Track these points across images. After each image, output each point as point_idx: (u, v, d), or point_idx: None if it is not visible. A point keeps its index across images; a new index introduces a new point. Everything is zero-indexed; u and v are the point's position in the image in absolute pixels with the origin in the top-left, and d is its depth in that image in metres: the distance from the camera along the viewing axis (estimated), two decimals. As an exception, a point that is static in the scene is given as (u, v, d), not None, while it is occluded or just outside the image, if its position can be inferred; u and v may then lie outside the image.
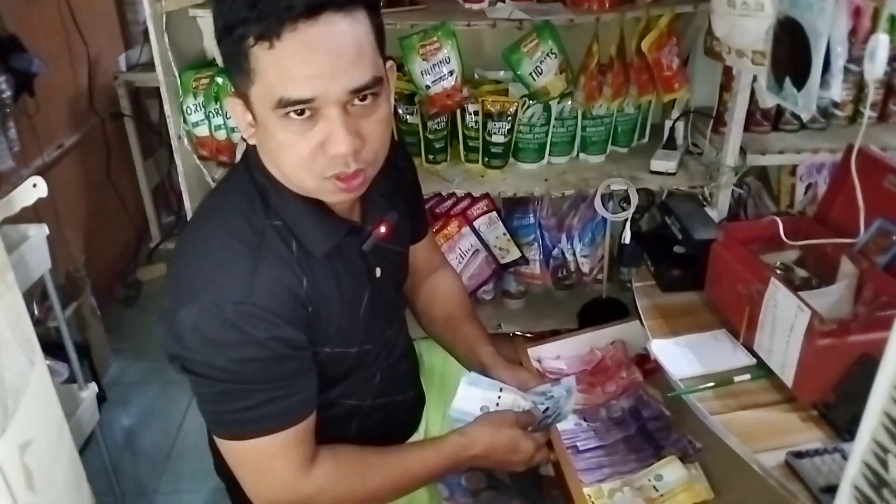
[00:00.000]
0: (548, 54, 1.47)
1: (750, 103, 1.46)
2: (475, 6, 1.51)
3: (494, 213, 1.74)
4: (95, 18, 2.57)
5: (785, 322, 1.02)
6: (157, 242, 2.94)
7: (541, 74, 1.49)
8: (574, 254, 1.79)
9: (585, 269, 1.80)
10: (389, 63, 0.88)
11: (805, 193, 1.57)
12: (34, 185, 1.24)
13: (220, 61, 1.59)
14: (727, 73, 1.52)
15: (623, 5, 1.45)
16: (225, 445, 0.92)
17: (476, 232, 1.72)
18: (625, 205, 1.60)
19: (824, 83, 1.03)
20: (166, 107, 1.54)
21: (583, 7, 1.45)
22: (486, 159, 1.61)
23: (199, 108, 1.55)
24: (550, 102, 1.56)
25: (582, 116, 1.62)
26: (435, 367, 1.32)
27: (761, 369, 1.11)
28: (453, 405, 1.10)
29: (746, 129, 1.50)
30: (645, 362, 1.40)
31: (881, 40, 0.94)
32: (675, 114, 1.64)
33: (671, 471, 1.17)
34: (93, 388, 1.50)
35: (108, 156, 2.64)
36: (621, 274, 1.84)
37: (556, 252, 1.80)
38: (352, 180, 0.85)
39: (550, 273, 1.84)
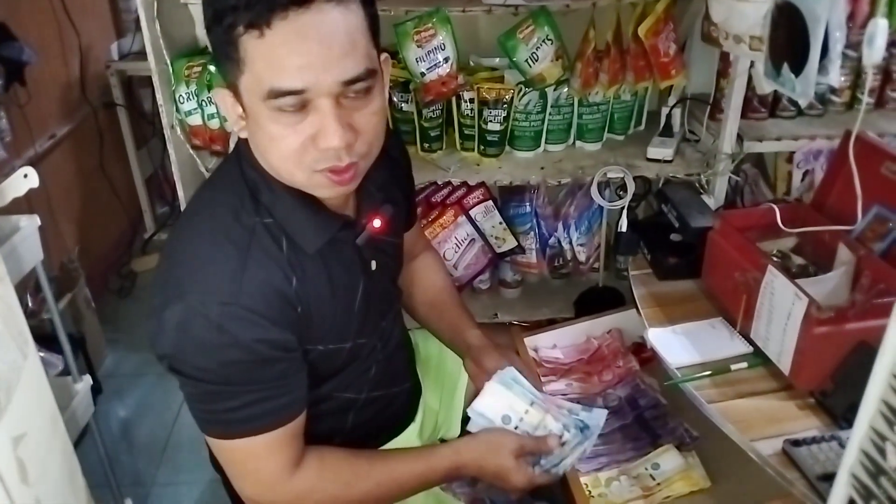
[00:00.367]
0: (544, 41, 1.46)
1: (747, 90, 1.45)
2: (470, -8, 1.50)
3: (490, 202, 1.73)
4: (86, 7, 2.54)
5: (782, 310, 1.02)
6: (151, 233, 2.93)
7: (537, 61, 1.48)
8: (570, 242, 1.78)
9: (582, 257, 1.79)
10: (384, 55, 0.87)
11: (802, 180, 1.57)
12: (25, 176, 1.23)
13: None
14: (724, 59, 1.51)
15: (620, -9, 1.44)
16: (213, 443, 0.92)
17: (472, 221, 1.72)
18: (621, 193, 1.59)
19: (822, 69, 1.02)
20: (158, 96, 1.52)
21: (579, -7, 1.44)
22: (482, 147, 1.60)
23: (191, 97, 1.53)
24: (546, 90, 1.55)
25: (578, 104, 1.61)
26: (431, 356, 1.32)
27: (758, 357, 1.11)
28: (475, 404, 1.07)
29: (743, 115, 1.49)
30: (641, 351, 1.40)
31: (880, 25, 0.93)
32: (671, 101, 1.63)
33: (668, 459, 1.17)
34: (87, 380, 1.49)
35: (101, 146, 2.62)
36: (618, 262, 1.84)
37: (552, 241, 1.80)
38: (344, 174, 0.83)
39: (547, 262, 1.84)
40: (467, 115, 1.58)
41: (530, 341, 1.41)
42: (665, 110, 1.62)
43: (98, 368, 2.22)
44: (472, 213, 1.72)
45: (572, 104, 1.61)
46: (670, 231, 1.41)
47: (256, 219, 0.86)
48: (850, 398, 0.95)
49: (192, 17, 1.59)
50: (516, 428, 1.06)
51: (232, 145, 1.49)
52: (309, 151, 0.80)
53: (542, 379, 1.34)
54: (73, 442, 1.12)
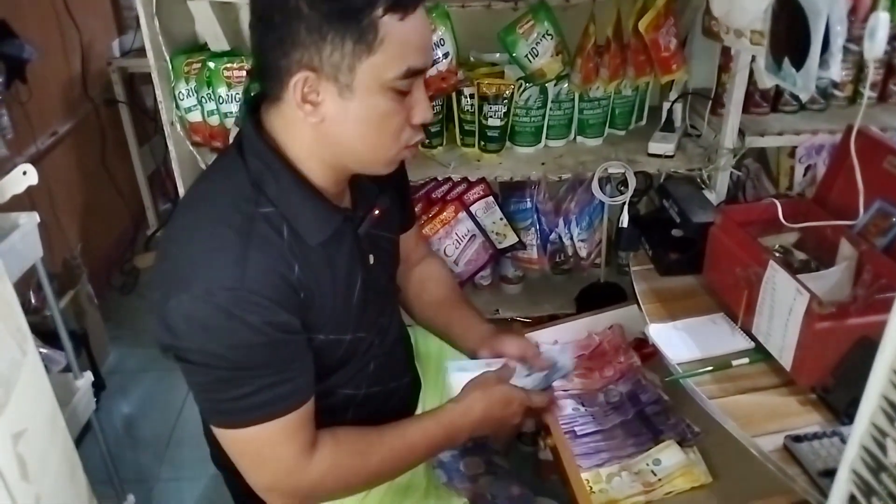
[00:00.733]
0: (544, 35, 1.45)
1: (748, 84, 1.44)
2: (470, -13, 1.49)
3: (491, 198, 1.73)
4: (88, 4, 2.55)
5: (783, 305, 1.02)
6: (153, 230, 2.93)
7: (537, 56, 1.47)
8: (571, 238, 1.78)
9: (583, 253, 1.79)
10: None
11: (804, 175, 1.56)
12: (24, 173, 1.23)
13: (212, 45, 1.59)
14: (725, 53, 1.50)
15: (620, -15, 1.43)
16: (224, 435, 0.91)
17: (473, 217, 1.71)
18: (622, 188, 1.59)
19: (823, 63, 1.01)
20: (158, 93, 1.52)
21: (579, -13, 1.44)
22: (483, 143, 1.60)
23: (191, 94, 1.53)
24: (547, 85, 1.54)
25: (579, 99, 1.60)
26: (430, 351, 1.32)
27: (759, 353, 1.10)
28: (450, 396, 1.10)
29: (745, 110, 1.48)
30: (643, 346, 1.40)
31: (881, 18, 0.92)
32: (672, 95, 1.62)
33: (669, 455, 1.17)
34: (88, 376, 1.50)
35: (103, 143, 2.63)
36: (619, 258, 1.84)
37: (553, 236, 1.79)
38: (415, 148, 0.93)
39: (548, 258, 1.83)
40: (467, 110, 1.57)
41: (532, 337, 1.41)
42: (666, 105, 1.62)
43: (101, 365, 2.23)
44: (472, 208, 1.71)
45: (573, 99, 1.60)
46: (671, 226, 1.41)
47: (255, 208, 0.87)
48: (852, 394, 0.95)
49: (192, 14, 1.59)
50: None
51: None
52: (405, 128, 0.88)
53: (543, 375, 1.34)
54: (74, 438, 1.12)
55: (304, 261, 0.89)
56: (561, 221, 1.76)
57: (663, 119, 1.62)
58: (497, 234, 1.75)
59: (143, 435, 2.04)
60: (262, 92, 0.91)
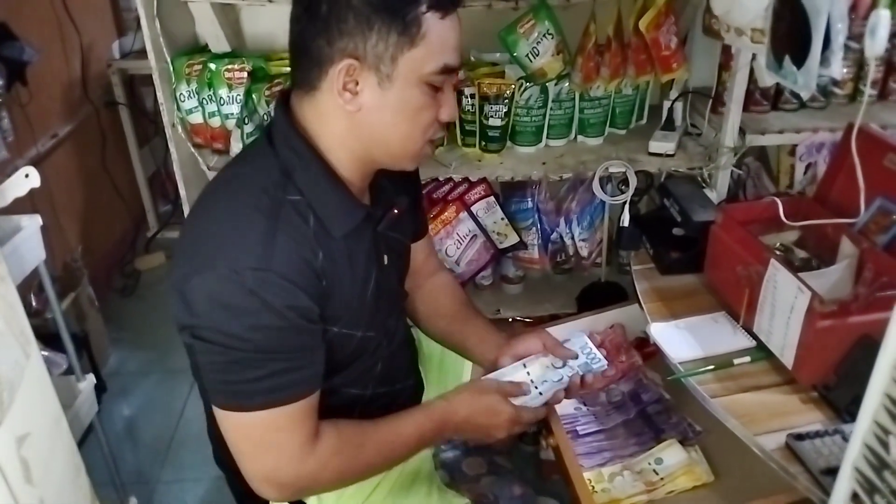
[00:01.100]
0: (544, 35, 1.45)
1: (749, 82, 1.44)
2: (470, -13, 1.49)
3: (492, 198, 1.73)
4: (87, 5, 2.55)
5: (785, 304, 1.02)
6: (154, 232, 2.93)
7: (538, 56, 1.47)
8: (573, 238, 1.78)
9: (584, 252, 1.79)
10: None
11: (805, 173, 1.56)
12: (27, 176, 1.23)
13: (213, 47, 1.59)
14: (726, 51, 1.50)
15: (620, -16, 1.44)
16: (228, 419, 0.90)
17: (474, 217, 1.71)
18: (623, 187, 1.59)
19: (824, 61, 1.01)
20: (159, 94, 1.52)
21: (579, -14, 1.44)
22: (484, 143, 1.60)
23: (192, 95, 1.53)
24: (548, 84, 1.54)
25: (580, 98, 1.60)
26: (434, 353, 1.32)
27: (761, 351, 1.10)
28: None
29: (745, 108, 1.48)
30: (644, 346, 1.40)
31: (882, 16, 0.92)
32: (673, 94, 1.62)
33: (671, 454, 1.17)
34: (91, 379, 1.50)
35: (104, 145, 2.63)
36: (620, 257, 1.84)
37: (554, 236, 1.79)
38: (435, 144, 0.99)
39: (549, 257, 1.83)
40: (468, 110, 1.57)
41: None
42: (667, 104, 1.62)
43: (102, 367, 2.23)
44: (473, 208, 1.71)
45: (573, 99, 1.60)
46: (672, 225, 1.41)
47: (283, 194, 0.88)
48: (854, 392, 0.95)
49: (193, 16, 1.59)
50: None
51: (233, 143, 1.49)
52: (432, 124, 0.93)
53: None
54: (76, 441, 1.12)
55: (327, 250, 0.90)
56: (562, 221, 1.76)
57: (664, 118, 1.62)
58: (498, 233, 1.75)
59: (144, 437, 2.03)
60: (293, 84, 0.94)
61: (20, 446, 0.90)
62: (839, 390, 0.99)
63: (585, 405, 1.32)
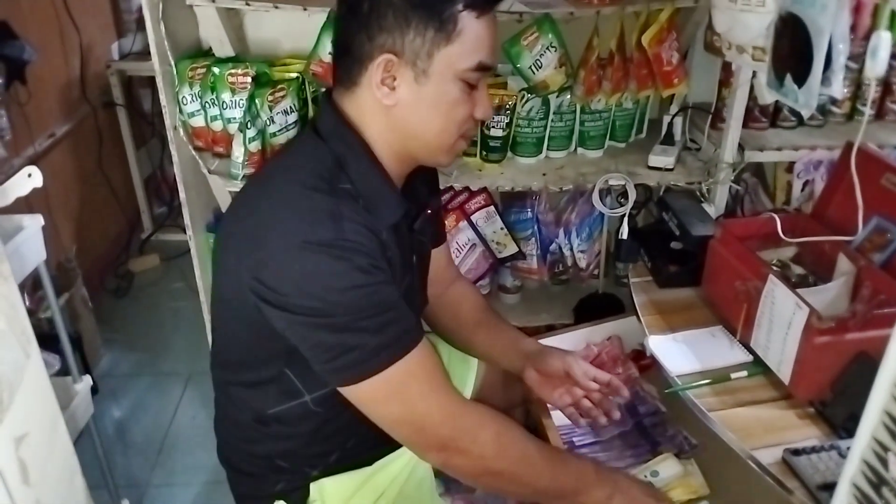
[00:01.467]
0: (548, 48, 1.46)
1: (748, 99, 1.45)
2: (474, -2, 1.50)
3: (492, 208, 1.73)
4: (87, 6, 2.54)
5: (782, 319, 1.03)
6: (148, 233, 2.92)
7: (540, 68, 1.48)
8: (571, 249, 1.79)
9: (582, 264, 1.80)
10: None
11: (802, 190, 1.58)
12: (29, 175, 1.23)
13: (217, 51, 1.59)
14: (726, 68, 1.52)
15: (624, -1, 1.45)
16: (364, 390, 0.89)
17: (473, 226, 1.72)
18: (622, 200, 1.60)
19: (825, 80, 1.03)
20: (162, 97, 1.52)
21: (583, 0, 1.45)
22: (484, 153, 1.61)
23: (194, 98, 1.53)
24: (549, 96, 1.55)
25: (580, 111, 1.61)
26: (441, 354, 1.32)
27: (758, 366, 1.11)
28: None
29: (744, 125, 1.49)
30: (640, 358, 1.40)
31: (883, 37, 0.94)
32: (673, 109, 1.63)
33: (667, 467, 1.18)
34: (87, 380, 1.49)
35: (100, 145, 2.62)
36: (617, 269, 1.84)
37: (553, 247, 1.80)
38: (468, 139, 1.01)
39: (547, 268, 1.84)
40: (470, 120, 1.58)
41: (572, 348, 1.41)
42: (667, 119, 1.63)
43: (94, 368, 2.21)
44: (473, 218, 1.72)
45: (574, 111, 1.61)
46: (671, 239, 1.42)
47: (337, 183, 0.91)
48: (850, 408, 0.96)
49: (196, 19, 1.59)
50: None
51: (235, 147, 1.49)
52: (467, 120, 0.97)
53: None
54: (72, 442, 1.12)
55: (382, 234, 0.92)
56: (561, 232, 1.77)
57: (663, 132, 1.63)
58: (497, 243, 1.75)
59: (135, 440, 2.02)
60: (334, 82, 0.98)
61: (18, 447, 0.90)
62: (836, 406, 0.99)
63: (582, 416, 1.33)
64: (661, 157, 1.57)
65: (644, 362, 1.39)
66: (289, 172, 0.94)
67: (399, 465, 1.09)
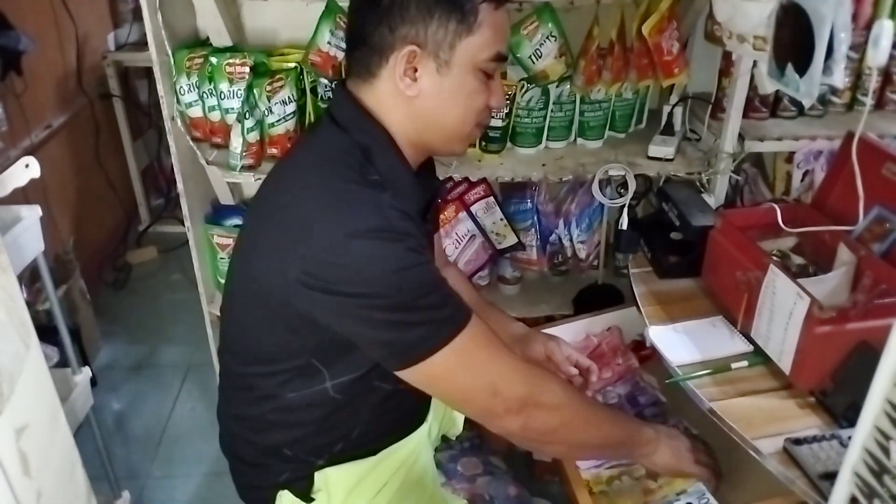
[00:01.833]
0: (548, 37, 1.46)
1: (748, 89, 1.45)
2: (474, -12, 1.49)
3: (491, 198, 1.73)
4: (84, -4, 2.53)
5: (783, 309, 1.03)
6: (146, 225, 2.92)
7: (540, 58, 1.47)
8: (571, 239, 1.78)
9: (582, 254, 1.80)
10: None
11: (802, 181, 1.57)
12: (27, 166, 1.22)
13: (215, 41, 1.58)
14: (727, 58, 1.51)
15: (624, -12, 1.44)
16: (431, 368, 0.89)
17: (473, 217, 1.72)
18: (622, 190, 1.59)
19: (826, 69, 1.02)
20: (159, 87, 1.51)
21: (583, -10, 1.44)
22: (484, 144, 1.60)
23: (192, 89, 1.52)
24: (549, 86, 1.55)
25: (580, 101, 1.61)
26: None
27: (758, 356, 1.11)
28: None
29: (744, 115, 1.49)
30: (640, 348, 1.40)
31: (885, 27, 0.94)
32: (673, 99, 1.63)
33: (668, 457, 1.17)
34: (87, 372, 1.49)
35: (97, 136, 2.61)
36: (617, 260, 1.84)
37: (552, 238, 1.80)
38: (482, 128, 1.04)
39: (547, 259, 1.84)
40: (469, 110, 1.57)
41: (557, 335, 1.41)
42: (667, 109, 1.63)
43: (93, 361, 2.21)
44: (473, 208, 1.71)
45: (574, 101, 1.61)
46: (671, 229, 1.41)
47: (367, 174, 0.92)
48: (851, 397, 0.96)
49: (194, 8, 1.58)
50: None
51: (233, 138, 1.48)
52: (483, 109, 0.99)
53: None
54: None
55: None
56: (561, 223, 1.77)
57: (663, 122, 1.63)
58: (497, 234, 1.75)
59: (134, 432, 2.02)
60: (348, 73, 0.98)
61: (19, 438, 0.90)
62: (836, 396, 1.00)
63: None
64: (661, 148, 1.57)
65: (644, 353, 1.39)
66: (322, 166, 0.93)
67: (402, 455, 1.09)
